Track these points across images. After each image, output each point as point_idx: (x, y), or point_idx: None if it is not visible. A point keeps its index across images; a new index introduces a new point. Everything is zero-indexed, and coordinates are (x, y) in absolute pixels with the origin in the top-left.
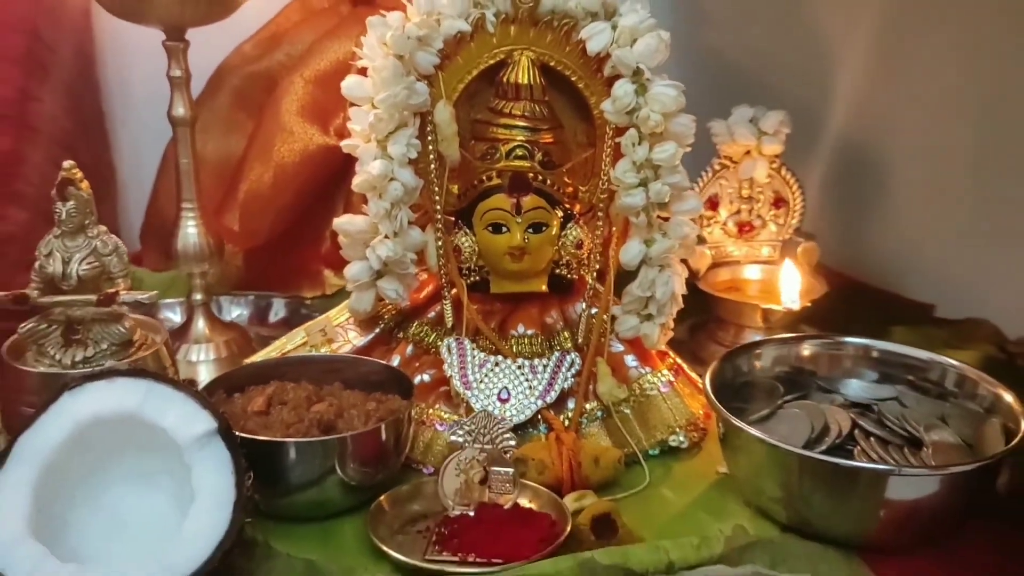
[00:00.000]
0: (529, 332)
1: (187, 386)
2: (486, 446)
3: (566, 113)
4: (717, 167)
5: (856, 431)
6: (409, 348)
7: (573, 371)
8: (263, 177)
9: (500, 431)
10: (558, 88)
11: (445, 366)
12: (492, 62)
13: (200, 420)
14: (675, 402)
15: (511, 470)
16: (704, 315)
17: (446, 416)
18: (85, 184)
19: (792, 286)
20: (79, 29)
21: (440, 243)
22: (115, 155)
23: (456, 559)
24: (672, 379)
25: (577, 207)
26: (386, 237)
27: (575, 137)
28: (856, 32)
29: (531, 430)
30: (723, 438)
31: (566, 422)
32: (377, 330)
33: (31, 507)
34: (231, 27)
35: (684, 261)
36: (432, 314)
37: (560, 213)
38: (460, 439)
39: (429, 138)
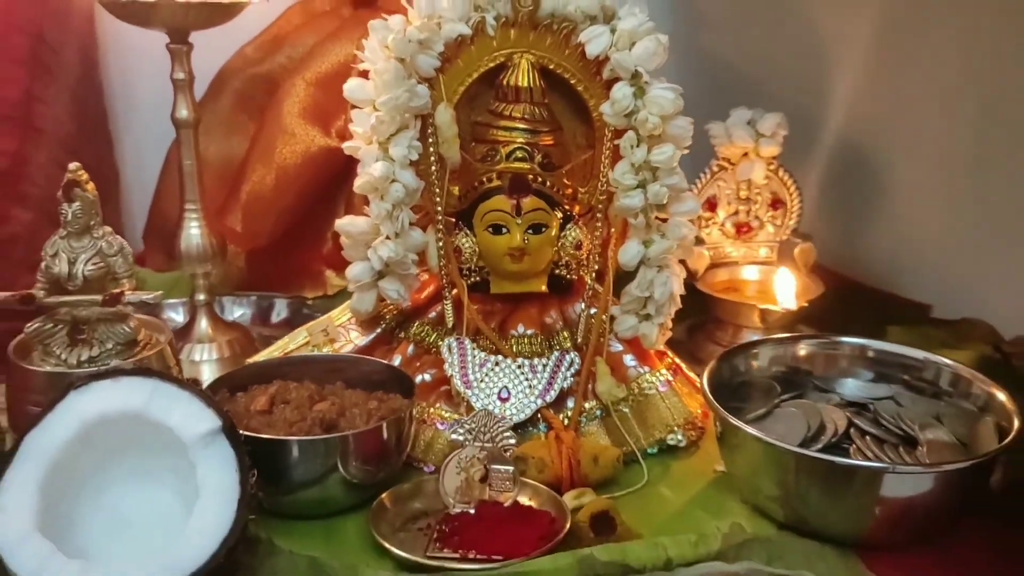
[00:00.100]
0: (529, 332)
1: (192, 385)
2: (486, 444)
3: (565, 115)
4: (715, 169)
5: (852, 430)
6: (410, 348)
7: (572, 370)
8: (265, 178)
9: (500, 430)
10: (557, 91)
11: (446, 365)
12: (492, 65)
13: (205, 419)
14: (673, 401)
15: (511, 468)
16: (702, 315)
17: (447, 415)
18: (91, 185)
19: (787, 292)
20: (83, 32)
21: (441, 244)
22: (118, 156)
23: (457, 556)
24: (670, 378)
25: (576, 208)
26: (387, 238)
27: (574, 139)
28: (852, 34)
29: (531, 429)
30: (721, 437)
31: (565, 421)
32: (378, 330)
33: (38, 505)
34: (233, 30)
35: (682, 262)
36: (433, 314)
37: (559, 214)
38: (461, 438)
39: (430, 140)
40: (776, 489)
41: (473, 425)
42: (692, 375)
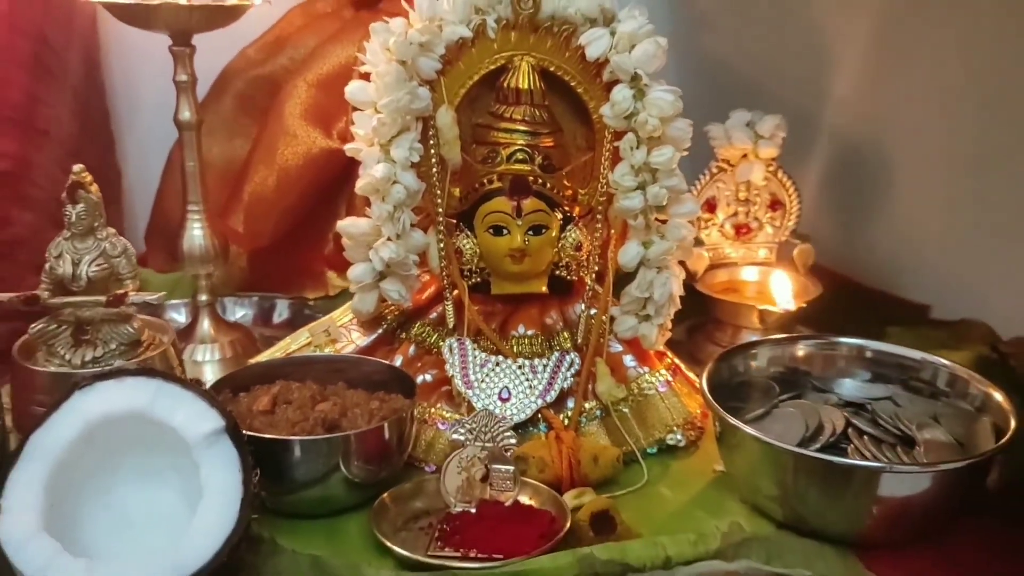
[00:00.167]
0: (529, 332)
1: (195, 385)
2: (487, 444)
3: (566, 117)
4: (715, 170)
5: (850, 430)
6: (411, 348)
7: (572, 371)
8: (267, 180)
9: (501, 430)
10: (558, 93)
11: (447, 366)
12: (493, 67)
13: (208, 419)
14: (673, 401)
15: (512, 468)
16: (702, 316)
17: (448, 415)
18: (95, 187)
19: (784, 294)
20: (86, 34)
21: (442, 245)
22: (120, 158)
23: (458, 555)
24: (670, 379)
25: (576, 210)
26: (389, 239)
27: (574, 141)
28: (851, 36)
29: (531, 429)
30: (720, 437)
31: (566, 421)
32: (380, 331)
33: (43, 504)
34: (235, 31)
35: (682, 263)
36: (434, 315)
37: (560, 216)
38: (462, 437)
39: (431, 142)
40: (775, 488)
41: (474, 425)
42: (691, 375)
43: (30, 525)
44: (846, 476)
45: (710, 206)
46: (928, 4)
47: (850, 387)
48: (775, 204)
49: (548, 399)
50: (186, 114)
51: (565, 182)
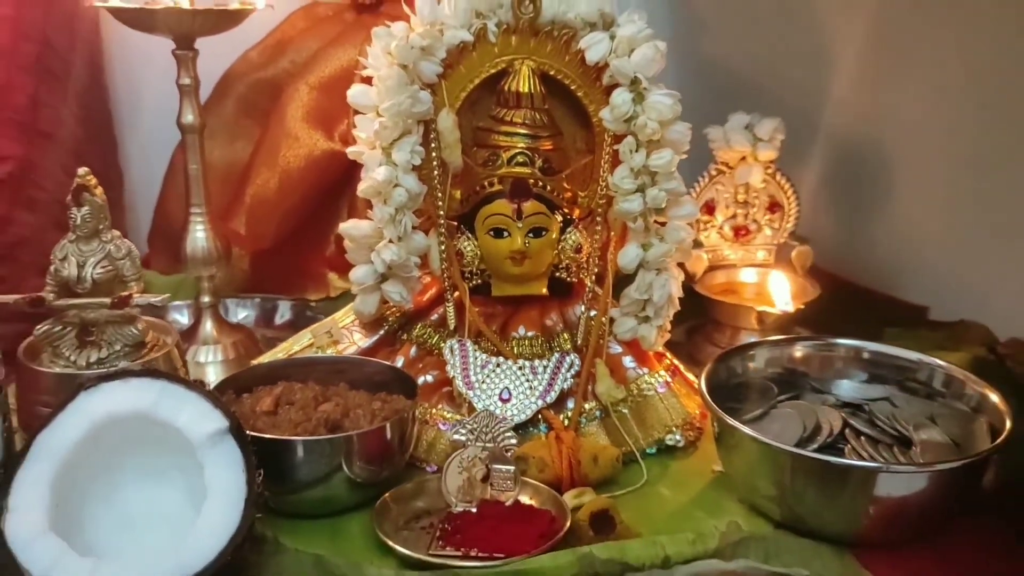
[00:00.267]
0: (530, 334)
1: (199, 386)
2: (488, 445)
3: (566, 121)
4: (714, 172)
5: (847, 430)
6: (413, 349)
7: (572, 372)
8: (269, 182)
9: (501, 430)
10: (558, 96)
11: (448, 367)
12: (493, 71)
13: (212, 419)
14: (672, 402)
15: (512, 468)
16: (701, 317)
17: (449, 416)
18: (99, 190)
19: (782, 295)
20: (89, 37)
21: (443, 247)
22: (123, 160)
23: (459, 554)
24: (669, 380)
25: (576, 212)
26: (390, 241)
27: (574, 144)
28: (849, 37)
29: (532, 429)
30: (718, 437)
31: (566, 421)
32: (381, 332)
33: (49, 503)
34: (237, 34)
35: (681, 265)
36: (435, 316)
37: (560, 218)
38: (463, 438)
39: (432, 145)
40: (772, 488)
41: (475, 425)
42: (690, 376)
43: (36, 524)
44: (843, 476)
45: (709, 208)
46: (927, 4)
47: (847, 388)
48: (774, 206)
49: (548, 400)
50: (189, 117)
51: (565, 185)
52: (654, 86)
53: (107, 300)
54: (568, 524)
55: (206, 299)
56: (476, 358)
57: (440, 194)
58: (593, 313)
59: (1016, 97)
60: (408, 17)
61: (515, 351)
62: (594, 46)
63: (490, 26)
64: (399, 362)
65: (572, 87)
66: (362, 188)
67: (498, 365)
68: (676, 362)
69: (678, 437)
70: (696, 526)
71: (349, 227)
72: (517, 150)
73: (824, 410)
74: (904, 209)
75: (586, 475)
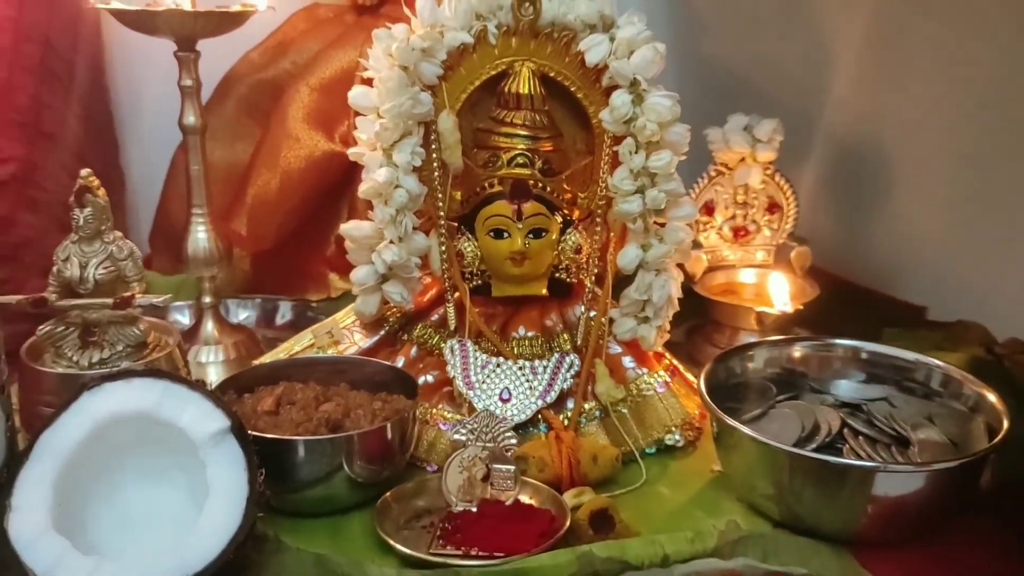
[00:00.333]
0: (529, 334)
1: (201, 386)
2: (488, 444)
3: (565, 122)
4: (713, 173)
5: (845, 430)
6: (413, 350)
7: (572, 372)
8: (270, 183)
9: (501, 430)
10: (558, 98)
11: (448, 367)
12: (494, 73)
13: (214, 419)
14: (671, 402)
15: (512, 467)
16: (700, 318)
17: (449, 416)
18: (102, 191)
19: (781, 296)
20: (91, 39)
21: (443, 248)
22: (124, 161)
23: (459, 553)
24: (668, 380)
25: (576, 213)
26: (391, 242)
27: (574, 145)
28: (848, 38)
29: (531, 429)
30: (717, 437)
31: (565, 421)
32: (382, 332)
33: (52, 502)
34: (238, 35)
35: (680, 265)
36: (435, 317)
37: (560, 219)
38: (463, 438)
39: (433, 146)
40: (771, 488)
41: (475, 425)
42: (690, 376)
43: (40, 523)
44: (841, 476)
45: (708, 209)
46: (927, 4)
47: (846, 388)
48: (773, 207)
49: (548, 400)
50: (191, 118)
51: (565, 186)
52: (653, 88)
53: (109, 301)
54: (568, 523)
55: (207, 299)
56: (476, 358)
57: (440, 195)
58: (593, 313)
59: (1016, 97)
60: (408, 19)
61: (515, 351)
62: (594, 48)
63: (490, 28)
64: (400, 362)
65: (572, 89)
66: (363, 189)
67: (498, 365)
68: (675, 362)
69: (677, 437)
70: (695, 525)
71: (350, 228)
72: (517, 151)
73: (822, 410)
74: (903, 209)
75: (586, 475)
